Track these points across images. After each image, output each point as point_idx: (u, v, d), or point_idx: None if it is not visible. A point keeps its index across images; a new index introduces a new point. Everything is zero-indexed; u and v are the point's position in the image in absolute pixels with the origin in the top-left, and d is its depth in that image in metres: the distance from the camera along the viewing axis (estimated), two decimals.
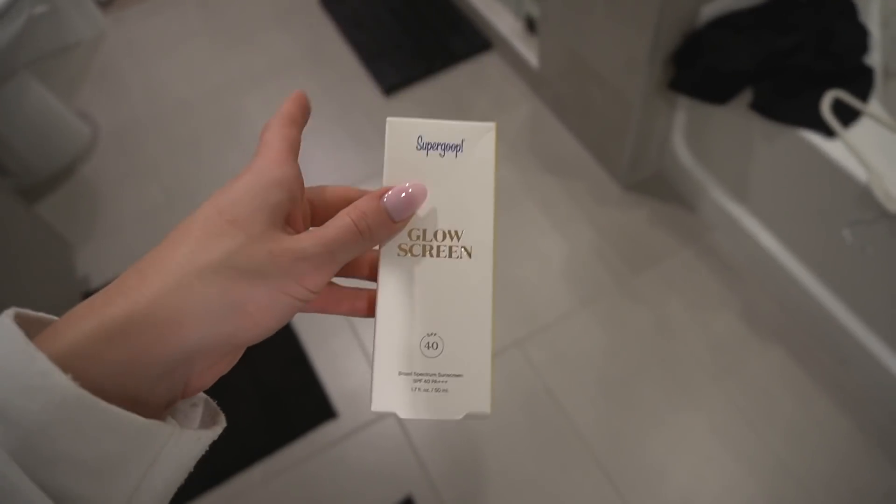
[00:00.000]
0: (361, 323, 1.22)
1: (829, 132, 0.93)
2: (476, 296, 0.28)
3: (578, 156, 1.41)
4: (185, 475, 0.24)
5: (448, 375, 0.27)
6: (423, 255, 0.28)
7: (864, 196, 0.89)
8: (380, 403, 0.27)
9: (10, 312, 0.21)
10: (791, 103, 0.97)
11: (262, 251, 0.23)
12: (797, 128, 0.95)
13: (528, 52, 1.49)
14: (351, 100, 1.59)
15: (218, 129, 1.58)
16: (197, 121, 1.60)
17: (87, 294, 1.31)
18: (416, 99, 1.56)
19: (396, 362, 0.27)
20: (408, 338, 0.27)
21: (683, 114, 1.21)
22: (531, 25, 1.50)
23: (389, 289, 0.28)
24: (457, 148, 0.28)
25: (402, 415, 0.27)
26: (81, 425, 0.19)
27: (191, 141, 1.57)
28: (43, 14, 1.69)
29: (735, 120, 1.08)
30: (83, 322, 0.21)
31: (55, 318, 0.23)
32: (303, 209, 0.28)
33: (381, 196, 0.26)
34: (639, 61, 1.08)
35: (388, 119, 0.28)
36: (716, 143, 1.18)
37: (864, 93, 0.95)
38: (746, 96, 1.01)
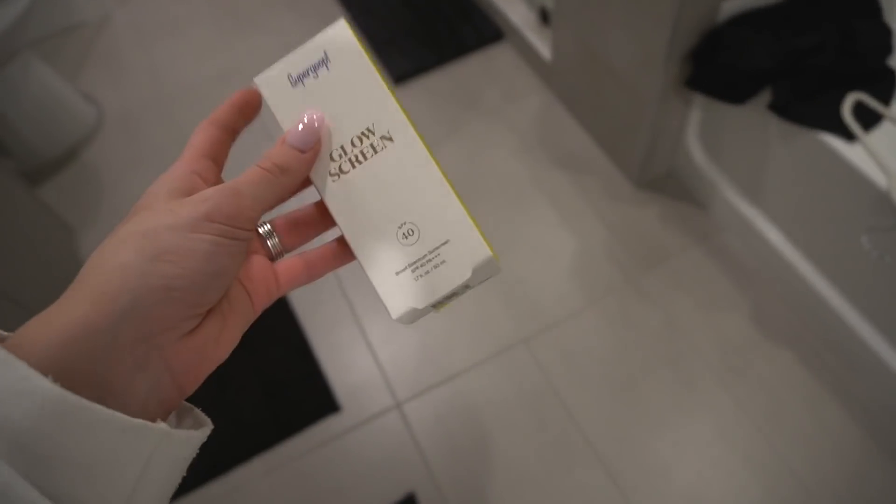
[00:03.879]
0: (366, 314, 1.21)
1: (849, 135, 0.91)
2: (418, 168, 0.28)
3: (590, 151, 1.39)
4: (180, 478, 0.23)
5: (437, 248, 0.27)
6: (353, 167, 0.28)
7: (882, 202, 0.87)
8: (396, 309, 0.27)
9: None
10: (810, 105, 0.95)
11: (164, 210, 0.24)
12: (816, 130, 0.94)
13: (541, 43, 1.46)
14: None
15: None
16: (203, 106, 1.58)
17: None
18: (425, 88, 1.54)
19: (388, 266, 0.27)
20: (383, 241, 0.27)
21: (698, 112, 1.19)
22: (545, 17, 1.47)
23: (344, 213, 0.28)
24: (324, 62, 0.28)
25: (421, 305, 0.27)
26: (66, 426, 0.19)
27: (196, 126, 1.55)
28: None
29: (752, 120, 1.06)
30: (28, 323, 0.22)
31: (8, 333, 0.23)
32: None
33: (284, 139, 0.28)
34: (655, 57, 1.06)
35: (255, 80, 0.29)
36: (731, 143, 1.16)
37: (886, 96, 0.93)
38: (764, 97, 0.99)
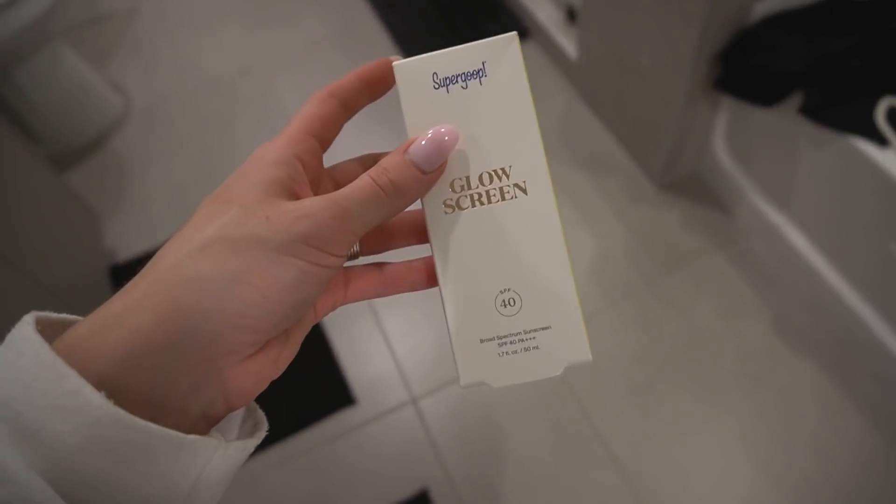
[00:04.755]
0: (383, 308, 1.21)
1: (882, 141, 0.89)
2: (544, 235, 0.24)
3: (613, 152, 1.38)
4: (231, 479, 0.22)
5: (535, 331, 0.24)
6: (473, 206, 0.24)
7: None
8: (468, 376, 0.25)
9: (31, 319, 0.19)
10: (843, 109, 0.94)
11: (257, 217, 0.21)
12: (848, 135, 0.92)
13: (567, 42, 1.45)
14: None
15: (248, 107, 1.57)
16: (228, 98, 1.59)
17: (115, 267, 1.33)
18: None
19: (475, 330, 0.24)
20: (480, 301, 0.24)
21: (726, 114, 1.17)
22: (571, 15, 1.46)
23: (445, 253, 0.25)
24: (479, 74, 0.24)
25: (496, 384, 0.24)
26: (118, 446, 0.18)
27: (221, 118, 1.56)
28: None
29: (781, 124, 1.04)
30: (83, 322, 0.20)
31: (77, 318, 0.21)
32: (324, 189, 0.26)
33: (406, 149, 0.24)
34: (684, 58, 1.04)
35: (394, 64, 0.25)
36: (758, 146, 1.14)
37: None
38: (795, 100, 0.98)
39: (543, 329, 0.24)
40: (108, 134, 1.55)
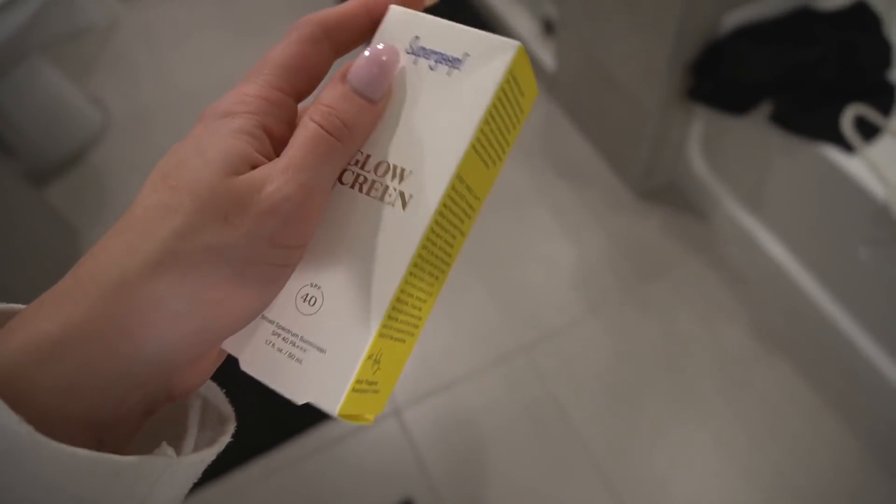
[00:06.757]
0: None
1: (848, 147, 0.92)
2: (388, 259, 0.20)
3: (592, 161, 1.40)
4: (186, 491, 0.20)
5: (311, 344, 0.20)
6: (352, 186, 0.21)
7: (881, 214, 0.88)
8: (230, 344, 0.21)
9: None
10: (811, 117, 0.96)
11: (215, 217, 0.17)
12: (816, 142, 0.94)
13: (545, 54, 1.48)
14: None
15: None
16: None
17: None
18: None
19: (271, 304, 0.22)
20: (292, 279, 0.21)
21: (700, 123, 1.19)
22: (548, 27, 1.48)
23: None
24: (455, 63, 0.21)
25: (243, 366, 0.21)
26: (40, 475, 0.15)
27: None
28: None
29: (753, 131, 1.06)
30: (11, 339, 0.16)
31: (16, 307, 0.18)
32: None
33: (344, 76, 0.20)
34: (658, 68, 1.07)
35: (392, 7, 0.22)
36: (732, 154, 1.16)
37: (886, 108, 0.94)
38: (766, 108, 1.00)
39: (318, 349, 0.20)
40: (88, 148, 1.55)
